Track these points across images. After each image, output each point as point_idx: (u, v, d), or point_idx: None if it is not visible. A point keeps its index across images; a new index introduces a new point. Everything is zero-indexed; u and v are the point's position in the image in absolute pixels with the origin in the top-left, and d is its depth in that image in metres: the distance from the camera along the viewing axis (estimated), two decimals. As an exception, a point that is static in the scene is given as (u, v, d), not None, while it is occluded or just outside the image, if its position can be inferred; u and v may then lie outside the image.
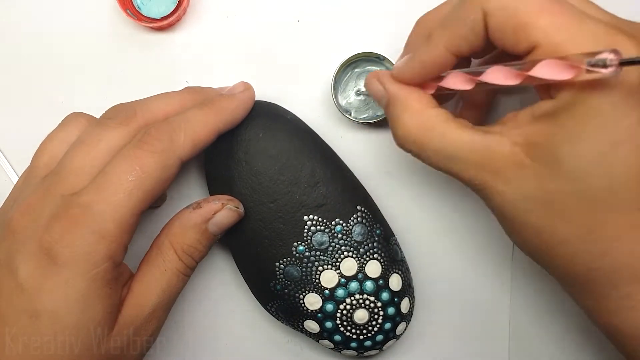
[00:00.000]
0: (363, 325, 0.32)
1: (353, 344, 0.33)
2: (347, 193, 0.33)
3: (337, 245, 0.32)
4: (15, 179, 0.37)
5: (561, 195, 0.24)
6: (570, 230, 0.24)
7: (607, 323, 0.26)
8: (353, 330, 0.32)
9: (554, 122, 0.23)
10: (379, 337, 0.32)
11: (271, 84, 0.37)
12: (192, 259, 0.31)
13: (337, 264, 0.32)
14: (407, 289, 0.34)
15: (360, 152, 0.37)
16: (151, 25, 0.36)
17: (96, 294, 0.27)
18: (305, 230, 0.32)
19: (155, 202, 0.30)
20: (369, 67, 0.36)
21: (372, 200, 0.34)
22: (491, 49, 0.27)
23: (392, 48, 0.35)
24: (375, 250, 0.32)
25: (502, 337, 0.36)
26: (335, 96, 0.35)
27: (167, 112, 0.31)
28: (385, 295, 0.32)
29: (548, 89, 0.24)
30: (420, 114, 0.27)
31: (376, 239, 0.33)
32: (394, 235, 0.34)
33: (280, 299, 0.33)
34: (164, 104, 0.31)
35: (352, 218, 0.32)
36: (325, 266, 0.32)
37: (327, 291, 0.32)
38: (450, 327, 0.36)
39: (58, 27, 0.37)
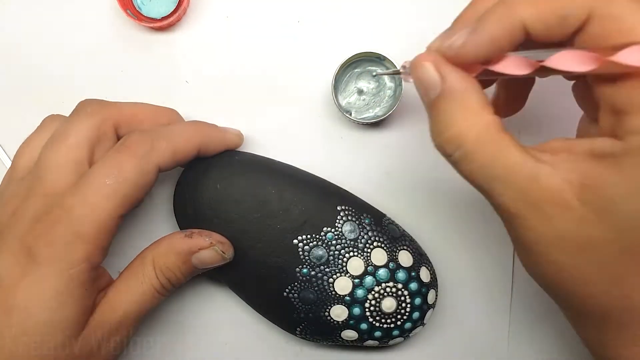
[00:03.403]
0: (395, 310, 0.32)
1: (395, 332, 0.33)
2: (323, 199, 0.33)
3: (335, 252, 0.32)
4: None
5: (603, 242, 0.22)
6: (600, 274, 0.23)
7: (610, 355, 0.25)
8: (389, 321, 0.32)
9: (616, 167, 0.21)
10: (415, 314, 0.33)
11: (271, 85, 0.37)
12: (169, 281, 0.31)
13: (344, 268, 0.32)
14: (420, 259, 0.34)
15: (360, 152, 0.37)
16: (151, 25, 0.36)
17: (70, 294, 0.27)
18: (301, 252, 0.32)
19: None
20: (369, 67, 0.36)
21: (349, 193, 0.34)
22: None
23: (392, 48, 0.35)
24: (372, 239, 0.32)
25: (501, 337, 0.36)
26: (335, 96, 0.35)
27: (136, 114, 0.32)
28: (401, 276, 0.32)
29: (613, 123, 0.22)
30: (479, 118, 0.23)
31: (368, 228, 0.33)
32: (385, 216, 0.34)
33: (309, 324, 0.33)
34: (134, 107, 0.32)
35: (337, 220, 0.32)
36: (334, 276, 0.32)
37: (347, 297, 0.32)
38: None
39: (58, 27, 0.37)
